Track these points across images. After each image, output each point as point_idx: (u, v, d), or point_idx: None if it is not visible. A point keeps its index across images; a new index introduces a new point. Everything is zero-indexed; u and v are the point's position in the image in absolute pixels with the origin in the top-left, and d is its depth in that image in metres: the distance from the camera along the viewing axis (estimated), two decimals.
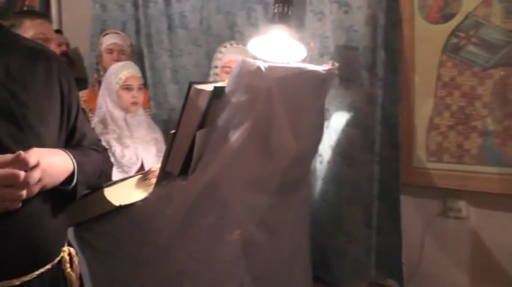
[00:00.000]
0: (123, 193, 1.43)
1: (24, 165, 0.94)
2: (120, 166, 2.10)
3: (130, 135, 2.17)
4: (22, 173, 0.94)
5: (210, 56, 2.34)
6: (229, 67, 2.10)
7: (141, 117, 2.26)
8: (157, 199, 1.33)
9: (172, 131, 1.35)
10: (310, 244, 1.72)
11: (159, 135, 2.32)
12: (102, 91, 2.21)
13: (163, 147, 2.30)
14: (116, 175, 2.05)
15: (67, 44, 3.04)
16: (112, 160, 2.08)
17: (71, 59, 3.01)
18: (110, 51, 2.49)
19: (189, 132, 1.31)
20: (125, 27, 2.73)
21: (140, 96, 2.21)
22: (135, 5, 2.66)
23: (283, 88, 1.37)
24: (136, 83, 2.18)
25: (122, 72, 2.15)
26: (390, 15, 1.73)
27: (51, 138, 1.11)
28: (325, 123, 1.80)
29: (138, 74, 2.22)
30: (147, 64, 2.62)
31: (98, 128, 2.13)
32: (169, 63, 2.58)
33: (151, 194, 1.36)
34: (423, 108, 1.79)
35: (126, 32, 2.70)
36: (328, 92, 1.66)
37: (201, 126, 1.33)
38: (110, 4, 2.76)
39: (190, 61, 2.53)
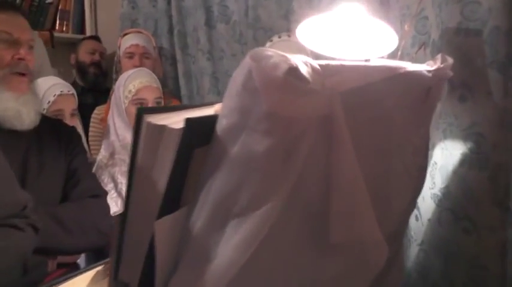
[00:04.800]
0: None
1: None
2: None
3: None
4: None
5: None
6: None
7: None
8: None
9: (120, 212, 0.69)
10: None
11: None
12: (111, 108, 1.67)
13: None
14: None
15: (101, 53, 2.55)
16: (119, 202, 1.53)
17: (103, 71, 2.52)
18: (130, 55, 1.96)
19: (144, 218, 0.61)
20: (157, 26, 2.20)
21: None
22: None
23: (355, 111, 0.65)
24: (151, 96, 1.61)
25: (131, 82, 1.59)
26: None
27: None
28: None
29: (154, 83, 1.64)
30: (181, 71, 2.07)
31: (104, 159, 1.59)
32: (209, 68, 1.99)
33: None
34: None
35: (158, 31, 2.17)
36: (435, 108, 0.97)
37: (167, 207, 0.60)
38: (140, 0, 2.24)
39: (233, 65, 1.93)
